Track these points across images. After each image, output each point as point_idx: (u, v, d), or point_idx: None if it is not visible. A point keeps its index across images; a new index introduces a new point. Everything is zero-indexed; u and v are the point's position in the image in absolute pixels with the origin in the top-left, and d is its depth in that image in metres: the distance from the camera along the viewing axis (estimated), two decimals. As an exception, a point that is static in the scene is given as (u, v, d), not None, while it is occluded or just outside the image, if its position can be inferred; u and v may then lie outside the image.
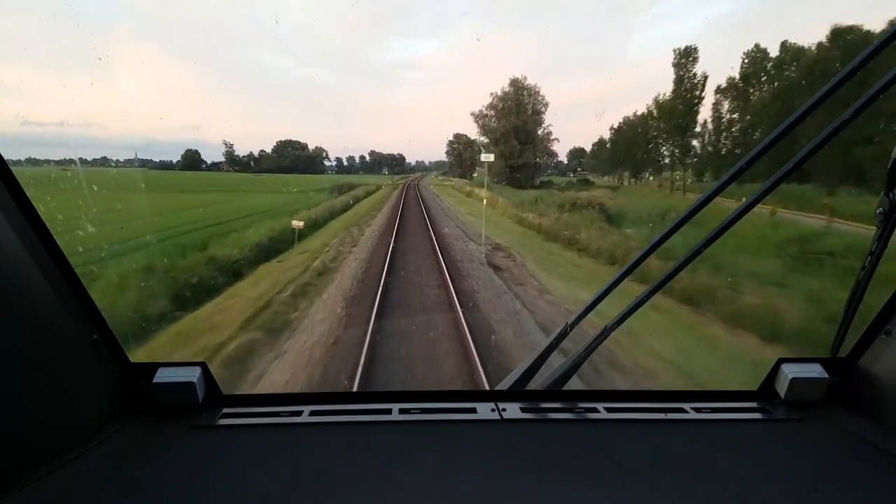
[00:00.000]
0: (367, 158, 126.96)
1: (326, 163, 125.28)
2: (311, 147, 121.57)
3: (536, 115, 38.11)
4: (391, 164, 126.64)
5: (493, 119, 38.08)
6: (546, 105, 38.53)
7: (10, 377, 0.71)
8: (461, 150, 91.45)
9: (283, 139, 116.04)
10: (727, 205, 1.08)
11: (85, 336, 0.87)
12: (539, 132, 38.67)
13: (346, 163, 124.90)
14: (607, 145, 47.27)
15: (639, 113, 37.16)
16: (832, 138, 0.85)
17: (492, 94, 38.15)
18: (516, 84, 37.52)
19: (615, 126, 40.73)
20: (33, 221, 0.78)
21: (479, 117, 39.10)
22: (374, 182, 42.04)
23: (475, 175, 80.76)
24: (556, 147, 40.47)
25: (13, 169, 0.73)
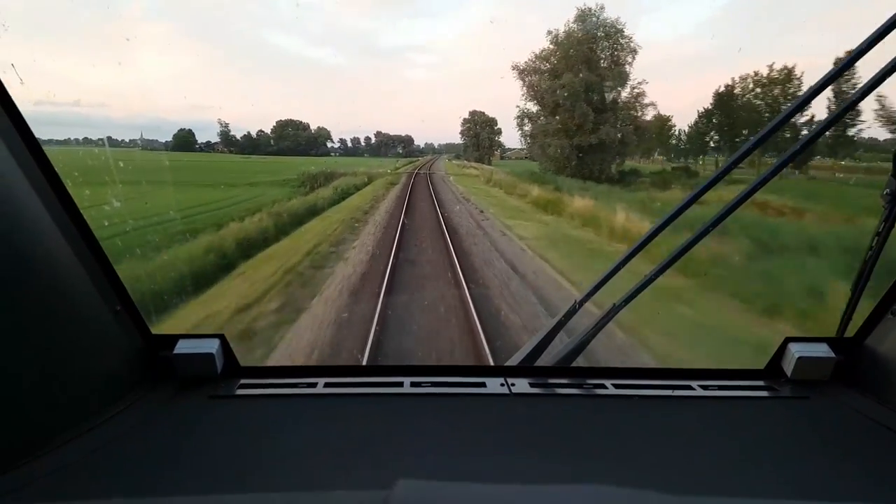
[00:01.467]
0: (373, 140, 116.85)
1: (330, 144, 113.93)
2: (313, 128, 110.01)
3: (618, 67, 23.62)
4: (399, 145, 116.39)
5: (547, 76, 23.98)
6: (634, 52, 23.44)
7: (35, 345, 0.73)
8: (478, 130, 78.28)
9: (283, 119, 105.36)
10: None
11: (108, 307, 0.89)
12: (623, 94, 24.28)
13: (350, 144, 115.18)
14: (663, 124, 35.35)
15: (762, 71, 24.53)
16: (839, 119, 0.94)
17: (550, 32, 23.81)
18: (586, 18, 23.17)
19: (718, 91, 27.57)
20: (62, 196, 0.81)
21: (526, 73, 24.76)
22: (366, 171, 28.72)
23: (492, 159, 70.15)
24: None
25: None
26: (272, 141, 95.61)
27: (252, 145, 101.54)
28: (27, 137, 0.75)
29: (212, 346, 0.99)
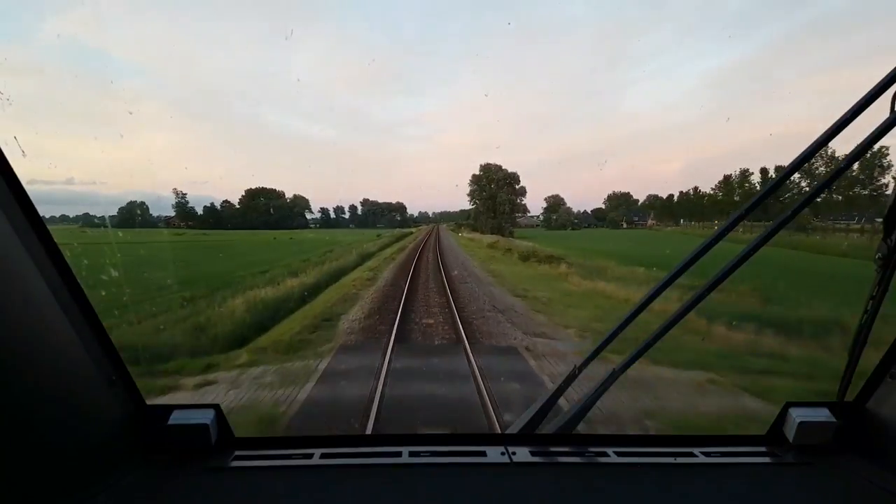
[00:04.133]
0: (360, 209, 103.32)
1: (309, 215, 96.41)
2: (289, 196, 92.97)
3: None
4: (390, 213, 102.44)
5: None
6: None
7: (28, 416, 0.72)
8: (494, 189, 53.87)
9: (253, 188, 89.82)
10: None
11: (103, 377, 0.88)
12: None
13: (333, 214, 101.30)
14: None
15: None
16: (831, 185, 0.89)
17: None
18: None
19: None
20: (61, 269, 0.81)
21: None
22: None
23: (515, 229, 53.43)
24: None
25: None
26: (217, 214, 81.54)
27: (215, 217, 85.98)
28: (28, 210, 0.75)
29: (206, 416, 0.97)
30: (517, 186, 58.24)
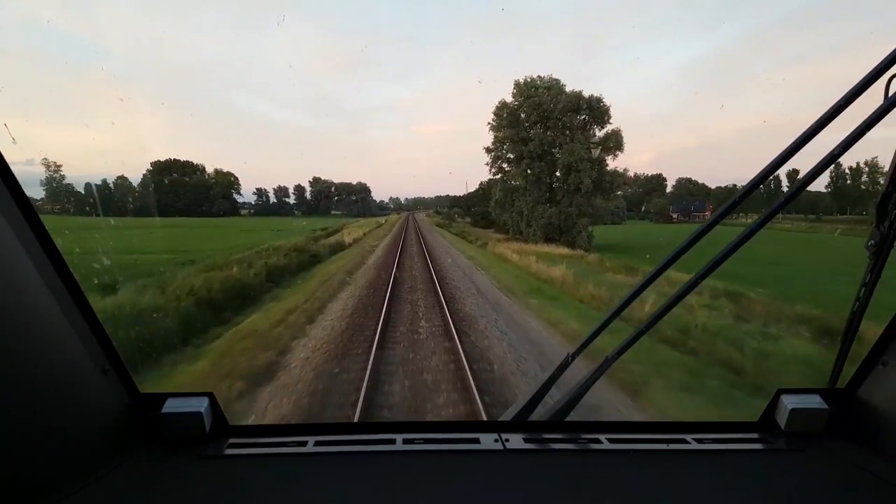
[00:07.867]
0: (309, 191, 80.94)
1: (239, 198, 68.90)
2: (210, 171, 65.69)
3: None
4: (347, 198, 79.81)
5: None
6: None
7: (21, 406, 0.72)
8: (550, 136, 12.66)
9: (162, 160, 63.70)
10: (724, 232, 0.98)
11: (97, 366, 0.89)
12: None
13: (274, 198, 78.82)
14: None
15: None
16: (823, 171, 0.89)
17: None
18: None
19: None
20: (53, 257, 0.81)
21: None
22: None
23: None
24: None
25: None
26: (108, 195, 58.61)
27: (105, 200, 59.27)
28: (20, 200, 0.75)
29: (201, 404, 0.97)
30: (601, 133, 24.20)
